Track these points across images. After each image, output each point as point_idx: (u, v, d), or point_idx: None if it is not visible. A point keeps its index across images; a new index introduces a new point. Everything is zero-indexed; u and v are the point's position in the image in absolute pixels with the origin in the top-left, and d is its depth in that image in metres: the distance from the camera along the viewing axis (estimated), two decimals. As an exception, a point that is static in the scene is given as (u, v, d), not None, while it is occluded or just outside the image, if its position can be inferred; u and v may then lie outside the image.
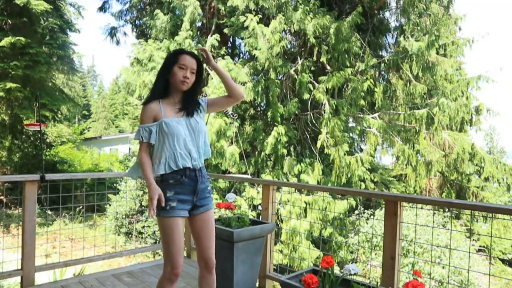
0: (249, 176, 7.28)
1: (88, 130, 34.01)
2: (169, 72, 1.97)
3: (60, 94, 12.03)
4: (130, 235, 8.92)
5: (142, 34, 11.48)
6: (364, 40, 8.65)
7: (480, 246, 10.22)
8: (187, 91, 2.02)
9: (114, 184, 10.48)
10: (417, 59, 8.34)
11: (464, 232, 8.63)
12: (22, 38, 9.63)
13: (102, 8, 11.71)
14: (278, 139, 7.83)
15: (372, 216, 8.96)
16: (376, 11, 9.23)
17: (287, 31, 8.85)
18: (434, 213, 7.95)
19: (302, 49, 8.78)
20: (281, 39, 7.90)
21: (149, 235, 8.59)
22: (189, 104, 2.03)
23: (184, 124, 1.97)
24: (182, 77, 1.95)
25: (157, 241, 8.39)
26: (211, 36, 8.68)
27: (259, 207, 3.35)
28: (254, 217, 6.20)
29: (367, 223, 8.89)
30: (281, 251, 7.52)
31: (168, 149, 1.92)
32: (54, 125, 13.98)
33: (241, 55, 10.53)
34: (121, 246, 8.57)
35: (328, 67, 8.46)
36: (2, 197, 11.32)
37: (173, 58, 1.99)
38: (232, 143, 8.06)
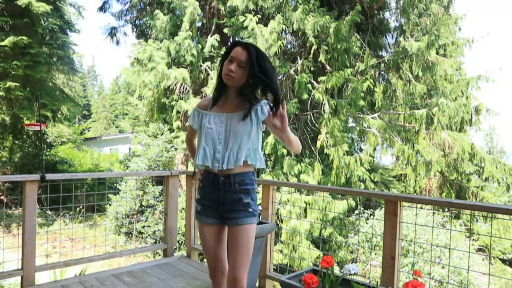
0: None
1: (88, 130, 34.06)
2: (222, 68, 1.82)
3: (60, 94, 12.03)
4: (130, 235, 8.92)
5: (142, 34, 11.50)
6: (364, 40, 8.66)
7: (479, 246, 10.23)
8: (241, 87, 1.80)
9: (114, 184, 10.48)
10: (417, 59, 8.34)
11: (463, 232, 8.64)
12: (25, 38, 9.65)
13: (102, 8, 11.73)
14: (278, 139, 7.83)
15: (372, 216, 8.96)
16: (376, 11, 9.23)
17: (286, 31, 8.85)
18: (434, 213, 7.95)
19: (302, 49, 8.78)
20: (279, 39, 7.90)
21: (149, 235, 8.59)
22: (239, 101, 1.82)
23: (223, 121, 1.80)
24: (226, 71, 1.75)
25: (157, 241, 8.39)
26: (211, 36, 8.69)
27: (259, 207, 3.35)
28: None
29: (367, 223, 8.89)
30: (281, 251, 7.52)
31: (200, 142, 1.84)
32: (54, 125, 13.98)
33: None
34: (121, 246, 8.57)
35: (328, 67, 8.46)
36: (2, 197, 11.33)
37: (226, 52, 1.82)
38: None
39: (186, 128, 9.05)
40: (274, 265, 3.31)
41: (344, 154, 7.92)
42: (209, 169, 1.82)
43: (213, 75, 8.37)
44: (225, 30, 8.62)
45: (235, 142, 1.77)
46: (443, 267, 6.40)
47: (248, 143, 1.78)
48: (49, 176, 3.00)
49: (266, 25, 8.03)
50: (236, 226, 1.78)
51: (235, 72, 1.73)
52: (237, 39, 8.85)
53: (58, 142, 15.12)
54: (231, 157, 1.76)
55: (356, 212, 8.97)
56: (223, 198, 1.80)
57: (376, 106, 8.67)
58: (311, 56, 8.29)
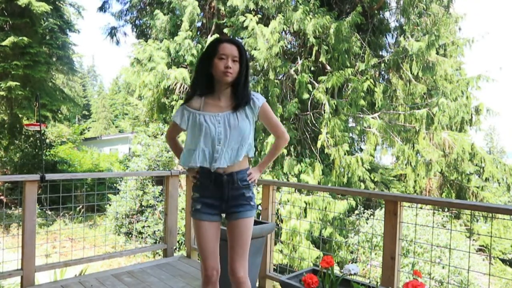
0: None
1: (88, 130, 34.04)
2: (210, 66, 1.82)
3: (60, 94, 12.02)
4: (130, 235, 8.91)
5: (142, 34, 11.49)
6: (364, 40, 8.65)
7: (480, 246, 10.22)
8: (234, 85, 1.84)
9: (114, 184, 10.48)
10: (417, 59, 8.34)
11: (464, 232, 8.64)
12: (25, 38, 9.65)
13: (102, 8, 11.73)
14: (278, 139, 7.82)
15: (372, 216, 8.96)
16: (376, 11, 9.22)
17: (287, 31, 8.84)
18: (434, 213, 7.94)
19: (302, 49, 8.78)
20: (280, 39, 7.89)
21: (149, 235, 8.59)
22: (237, 98, 1.84)
23: (221, 121, 1.81)
24: (223, 68, 1.78)
25: (157, 241, 8.39)
26: (211, 36, 8.69)
27: (259, 207, 3.35)
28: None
29: (367, 223, 8.89)
30: (281, 251, 7.52)
31: (197, 143, 1.81)
32: (54, 125, 14.01)
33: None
34: (121, 246, 8.57)
35: (328, 67, 8.45)
36: (2, 197, 11.33)
37: (211, 49, 1.83)
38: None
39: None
40: (274, 265, 3.30)
41: (344, 154, 7.92)
42: (207, 169, 1.84)
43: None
44: (225, 30, 8.62)
45: (237, 140, 1.82)
46: (443, 267, 6.40)
47: (249, 139, 1.86)
48: (49, 176, 2.99)
49: (266, 25, 8.02)
50: (241, 219, 1.86)
51: (233, 68, 1.79)
52: (237, 39, 8.83)
53: (58, 142, 15.11)
54: (232, 155, 1.82)
55: (356, 212, 8.97)
56: (227, 195, 1.86)
57: (376, 106, 8.66)
58: (314, 56, 8.28)
